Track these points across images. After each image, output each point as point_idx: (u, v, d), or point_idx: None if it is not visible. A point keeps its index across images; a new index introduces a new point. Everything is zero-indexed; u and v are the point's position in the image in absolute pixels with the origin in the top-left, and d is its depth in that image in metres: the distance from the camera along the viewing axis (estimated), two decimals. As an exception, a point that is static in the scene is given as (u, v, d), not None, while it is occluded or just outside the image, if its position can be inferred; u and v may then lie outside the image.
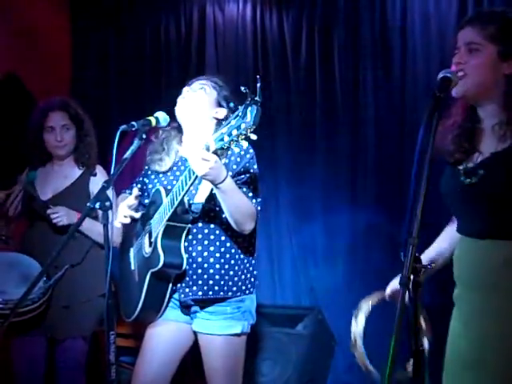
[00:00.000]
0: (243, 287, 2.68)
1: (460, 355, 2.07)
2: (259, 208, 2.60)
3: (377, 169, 4.42)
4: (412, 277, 1.64)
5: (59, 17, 5.20)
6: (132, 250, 2.80)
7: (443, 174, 2.19)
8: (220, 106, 2.73)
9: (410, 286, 1.64)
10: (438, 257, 2.26)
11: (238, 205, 2.50)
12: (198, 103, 2.71)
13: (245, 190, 2.57)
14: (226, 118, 2.59)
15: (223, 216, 2.57)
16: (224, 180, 2.37)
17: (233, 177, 2.54)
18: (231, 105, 2.51)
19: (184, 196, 2.48)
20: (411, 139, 3.89)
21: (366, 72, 4.46)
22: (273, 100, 4.70)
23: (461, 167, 2.11)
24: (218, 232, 2.63)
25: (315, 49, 4.61)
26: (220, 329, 2.63)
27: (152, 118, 2.58)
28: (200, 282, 2.62)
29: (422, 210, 1.68)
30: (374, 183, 4.42)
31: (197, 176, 2.35)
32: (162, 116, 2.63)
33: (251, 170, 2.62)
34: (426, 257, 2.20)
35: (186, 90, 2.76)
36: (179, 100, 2.73)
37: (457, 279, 2.15)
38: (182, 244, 2.60)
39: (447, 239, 2.28)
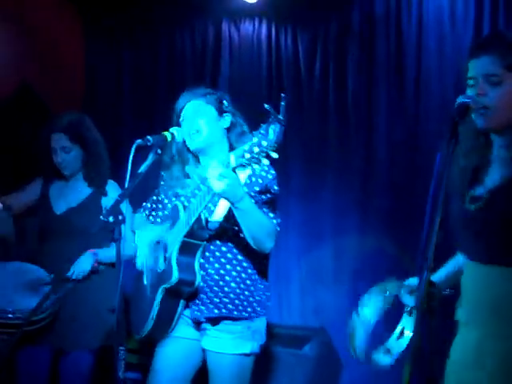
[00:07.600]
0: (258, 308, 2.66)
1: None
2: (278, 229, 2.59)
3: (388, 192, 4.40)
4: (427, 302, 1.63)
5: (74, 29, 5.21)
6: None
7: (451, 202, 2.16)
8: (222, 113, 2.69)
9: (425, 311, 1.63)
10: (446, 279, 2.24)
11: (257, 223, 2.47)
12: (208, 130, 2.66)
13: (265, 210, 2.56)
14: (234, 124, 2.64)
15: (241, 235, 2.55)
16: (241, 199, 2.34)
17: (254, 196, 2.53)
18: (225, 103, 2.56)
19: (201, 213, 2.46)
20: (424, 162, 3.92)
21: (379, 93, 4.45)
22: (285, 119, 4.69)
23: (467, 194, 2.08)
24: (235, 251, 2.62)
25: (329, 69, 4.60)
26: (229, 348, 2.61)
27: (168, 134, 2.56)
28: (216, 300, 2.60)
29: (437, 235, 1.67)
30: (385, 206, 4.38)
31: (214, 194, 2.34)
32: (177, 132, 2.62)
33: (272, 191, 2.60)
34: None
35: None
36: (188, 138, 2.66)
37: (462, 302, 2.12)
38: (197, 261, 2.57)
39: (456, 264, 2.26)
